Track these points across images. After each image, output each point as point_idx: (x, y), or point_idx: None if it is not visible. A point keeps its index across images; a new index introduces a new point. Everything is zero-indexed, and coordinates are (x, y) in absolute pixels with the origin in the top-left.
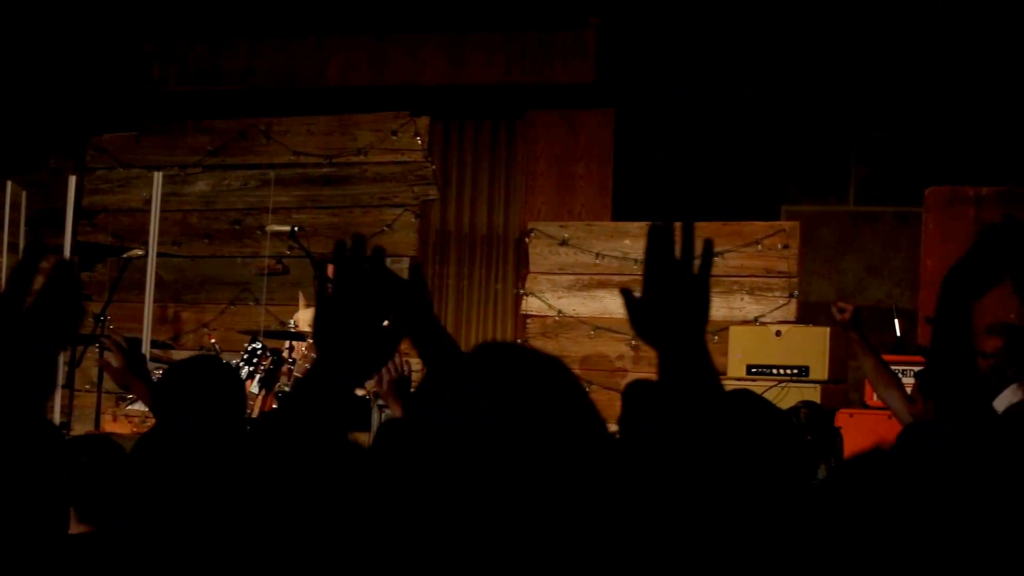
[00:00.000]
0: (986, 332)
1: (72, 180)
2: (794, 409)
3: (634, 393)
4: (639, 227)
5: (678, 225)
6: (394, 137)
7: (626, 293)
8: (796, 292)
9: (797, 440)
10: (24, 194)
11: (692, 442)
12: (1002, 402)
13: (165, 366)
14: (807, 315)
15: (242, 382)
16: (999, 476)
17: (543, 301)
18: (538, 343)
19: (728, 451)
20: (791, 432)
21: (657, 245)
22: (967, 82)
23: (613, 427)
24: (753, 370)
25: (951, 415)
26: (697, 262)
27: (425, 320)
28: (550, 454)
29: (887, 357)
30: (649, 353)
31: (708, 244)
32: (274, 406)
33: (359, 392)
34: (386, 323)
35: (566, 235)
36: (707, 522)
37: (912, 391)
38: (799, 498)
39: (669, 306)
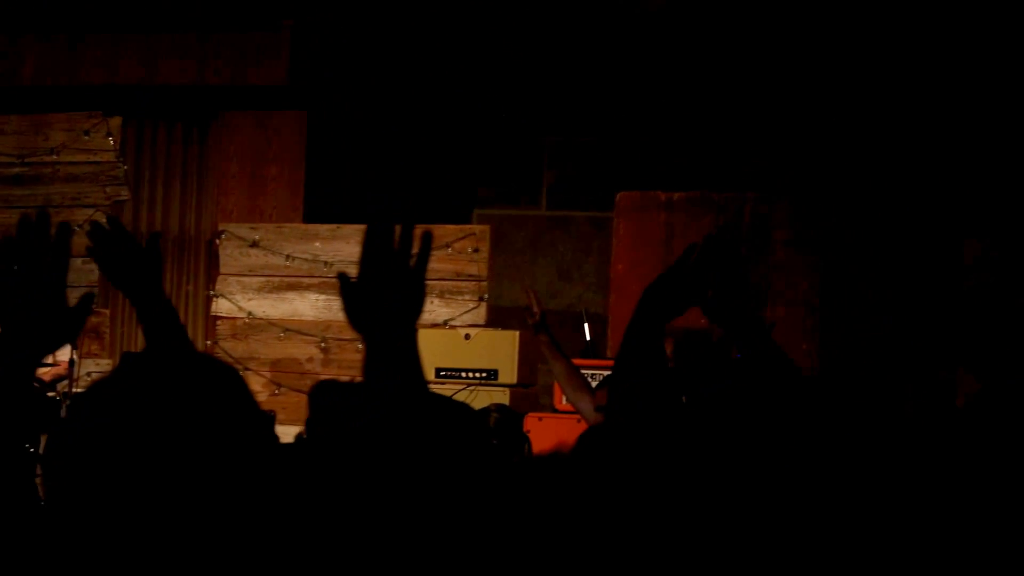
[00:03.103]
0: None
1: None
2: (485, 411)
3: (320, 394)
4: (330, 229)
5: (379, 227)
6: (86, 137)
7: (343, 290)
8: (486, 295)
9: (486, 444)
10: None
11: (389, 441)
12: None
13: None
14: (497, 319)
15: None
16: (667, 477)
17: (233, 303)
18: (228, 345)
19: (421, 451)
20: (483, 436)
21: (365, 245)
22: (658, 87)
23: (300, 428)
24: (442, 373)
25: (625, 419)
26: (402, 263)
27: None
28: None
29: (577, 361)
30: (339, 355)
31: (423, 245)
32: None
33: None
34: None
35: (257, 237)
36: (391, 522)
37: (599, 399)
38: (483, 502)
39: (376, 306)
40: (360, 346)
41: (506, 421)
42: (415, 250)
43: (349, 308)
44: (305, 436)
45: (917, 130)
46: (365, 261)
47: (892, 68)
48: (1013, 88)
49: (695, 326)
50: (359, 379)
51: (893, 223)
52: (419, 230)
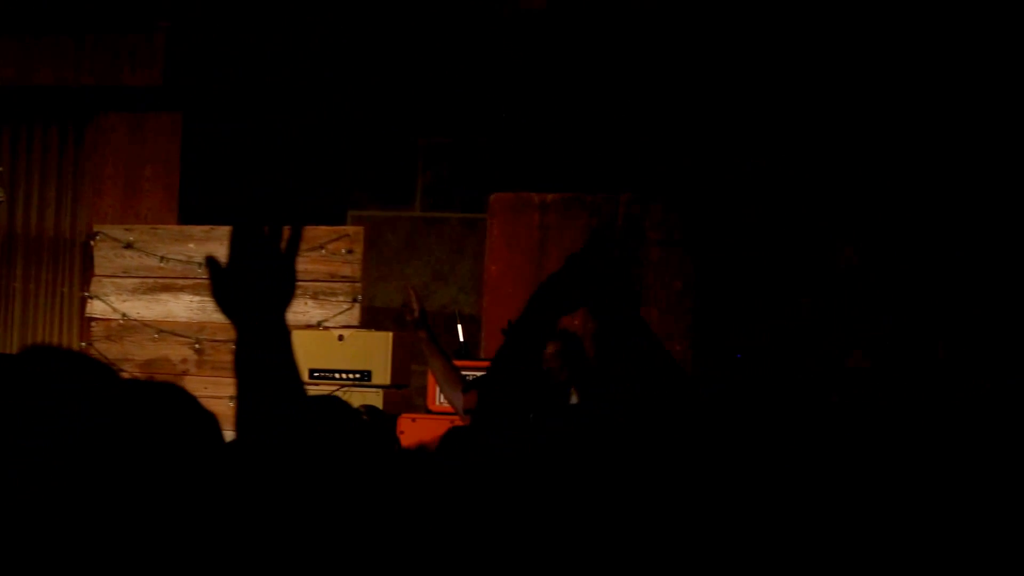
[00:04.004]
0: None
1: None
2: (356, 412)
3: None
4: (204, 231)
5: (249, 227)
6: None
7: (216, 291)
8: (360, 297)
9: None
10: None
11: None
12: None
13: None
14: (371, 320)
15: None
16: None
17: (108, 304)
18: (102, 347)
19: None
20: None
21: (234, 247)
22: (533, 88)
23: None
24: (316, 374)
25: (496, 419)
26: (271, 262)
27: None
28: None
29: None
30: (213, 356)
31: (292, 244)
32: None
33: None
34: None
35: (131, 238)
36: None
37: (469, 400)
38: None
39: (247, 305)
40: (234, 347)
41: (376, 422)
42: (283, 249)
43: (222, 307)
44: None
45: (792, 133)
46: (233, 261)
47: (767, 71)
48: (890, 94)
49: (574, 328)
50: (233, 379)
51: (768, 226)
52: (287, 230)
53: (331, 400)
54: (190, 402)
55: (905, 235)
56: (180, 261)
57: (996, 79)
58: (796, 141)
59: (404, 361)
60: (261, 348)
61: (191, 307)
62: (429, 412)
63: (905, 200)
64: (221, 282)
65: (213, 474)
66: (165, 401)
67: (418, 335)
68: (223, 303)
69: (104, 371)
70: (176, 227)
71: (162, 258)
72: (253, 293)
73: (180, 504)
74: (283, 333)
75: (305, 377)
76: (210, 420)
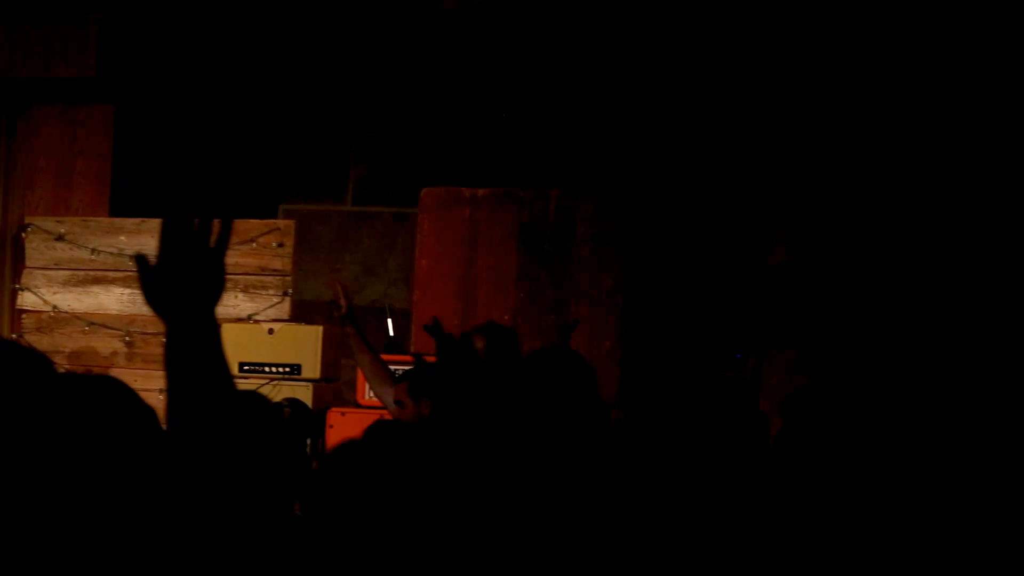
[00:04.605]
0: (471, 333)
1: None
2: (278, 406)
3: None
4: (135, 223)
5: (188, 219)
6: None
7: (144, 283)
8: (291, 290)
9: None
10: None
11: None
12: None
13: None
14: (301, 314)
15: None
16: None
17: (39, 296)
18: (33, 339)
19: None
20: (279, 427)
21: (169, 238)
22: (464, 84)
23: None
24: (246, 367)
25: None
26: (206, 256)
27: None
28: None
29: (381, 356)
30: (144, 349)
31: (221, 238)
32: None
33: None
34: None
35: (63, 230)
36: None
37: (399, 393)
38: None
39: (180, 299)
40: (164, 340)
41: (299, 415)
42: (213, 243)
43: (151, 300)
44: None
45: (724, 129)
46: (163, 253)
47: (693, 64)
48: (819, 86)
49: (503, 323)
50: (163, 372)
51: (700, 222)
52: (216, 223)
53: (251, 395)
54: (128, 395)
55: (837, 231)
56: (111, 254)
57: (920, 75)
58: (728, 137)
59: (334, 355)
60: (190, 342)
61: (122, 300)
62: (359, 406)
63: (836, 196)
64: (149, 276)
65: (150, 466)
66: (103, 393)
67: (346, 330)
68: (151, 297)
69: (41, 362)
70: (108, 220)
71: (93, 250)
72: (182, 287)
73: (118, 495)
74: (212, 327)
75: (235, 370)
76: (149, 414)
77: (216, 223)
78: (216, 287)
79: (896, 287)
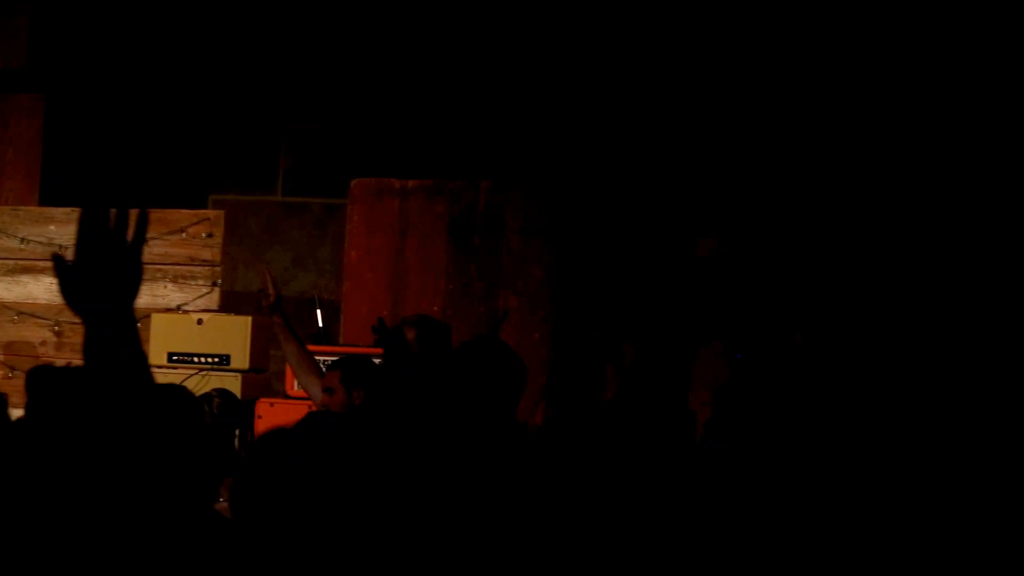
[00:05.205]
0: (402, 324)
1: None
2: (207, 396)
3: (38, 379)
4: (65, 213)
5: (105, 210)
6: None
7: (59, 273)
8: (220, 281)
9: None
10: None
11: (109, 425)
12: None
13: None
14: (231, 304)
15: None
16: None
17: None
18: None
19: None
20: (203, 422)
21: (87, 229)
22: (395, 75)
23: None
24: (175, 358)
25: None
26: (124, 247)
27: None
28: None
29: (310, 347)
30: (73, 339)
31: (139, 229)
32: None
33: None
34: None
35: None
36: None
37: (330, 380)
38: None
39: (98, 290)
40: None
41: (227, 405)
42: (131, 233)
43: (66, 290)
44: (25, 419)
45: (655, 123)
46: (81, 243)
47: (628, 60)
48: (748, 84)
49: (432, 314)
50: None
51: (629, 215)
52: (134, 213)
53: (174, 388)
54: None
55: (765, 226)
56: (41, 243)
57: (853, 72)
58: (659, 130)
59: (263, 345)
60: (108, 333)
61: (51, 289)
62: (288, 397)
63: (766, 191)
64: (66, 267)
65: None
66: None
67: (274, 320)
68: (67, 289)
69: None
70: (37, 209)
71: (23, 240)
72: (98, 278)
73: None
74: (129, 319)
75: (164, 360)
76: None
77: (133, 213)
78: (133, 278)
79: (824, 278)
